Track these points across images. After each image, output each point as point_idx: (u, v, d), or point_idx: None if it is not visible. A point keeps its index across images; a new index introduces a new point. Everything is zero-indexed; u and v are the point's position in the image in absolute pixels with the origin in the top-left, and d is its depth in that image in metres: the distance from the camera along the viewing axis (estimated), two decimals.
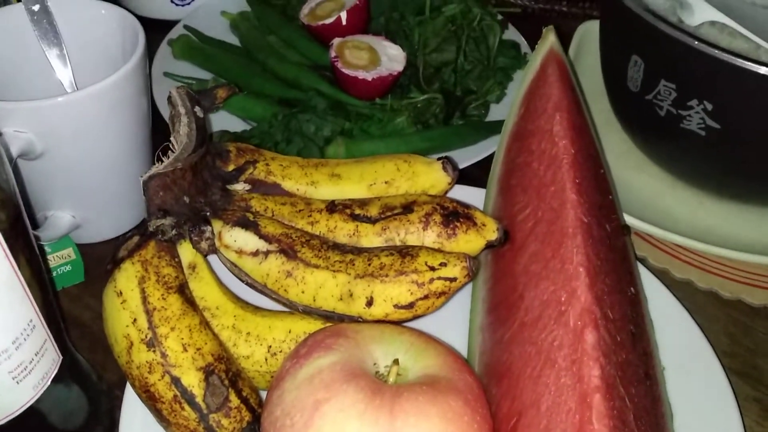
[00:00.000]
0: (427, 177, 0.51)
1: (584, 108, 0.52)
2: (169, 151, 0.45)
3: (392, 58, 0.66)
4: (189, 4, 0.80)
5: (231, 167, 0.50)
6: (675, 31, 0.50)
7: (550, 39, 0.51)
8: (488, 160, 0.63)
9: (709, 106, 0.52)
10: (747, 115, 0.51)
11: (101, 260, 0.58)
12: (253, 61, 0.71)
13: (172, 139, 0.46)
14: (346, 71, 0.64)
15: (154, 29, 0.81)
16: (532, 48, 0.77)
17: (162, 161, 0.44)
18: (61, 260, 0.55)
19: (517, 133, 0.51)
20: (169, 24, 0.78)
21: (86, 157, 0.53)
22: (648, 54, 0.54)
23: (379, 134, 0.64)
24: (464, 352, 0.46)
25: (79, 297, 0.55)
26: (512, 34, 0.76)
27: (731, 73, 0.49)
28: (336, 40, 0.67)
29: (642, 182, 0.63)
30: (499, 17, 0.77)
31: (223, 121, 0.66)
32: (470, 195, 0.56)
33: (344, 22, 0.69)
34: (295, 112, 0.63)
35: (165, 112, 0.66)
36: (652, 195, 0.61)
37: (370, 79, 0.64)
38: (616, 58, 0.59)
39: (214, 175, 0.48)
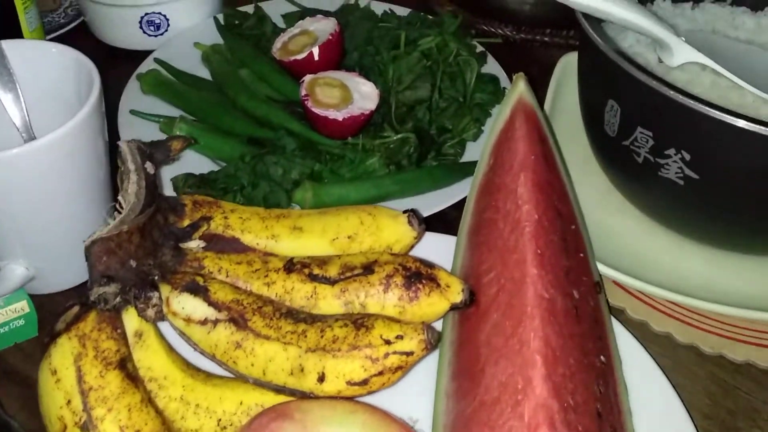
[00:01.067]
0: (391, 231, 0.49)
1: (556, 159, 0.50)
2: (116, 212, 0.43)
3: (365, 95, 0.64)
4: (162, 34, 0.78)
5: (186, 222, 0.48)
6: (650, 79, 0.48)
7: (519, 87, 0.49)
8: (464, 201, 0.61)
9: (687, 156, 0.49)
10: (726, 167, 0.49)
11: (56, 314, 0.56)
12: (223, 97, 0.69)
13: (119, 197, 0.44)
14: (316, 110, 0.62)
15: (126, 59, 0.80)
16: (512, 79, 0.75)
17: (109, 221, 0.42)
18: (13, 314, 0.53)
19: (486, 185, 0.49)
20: (141, 54, 0.76)
21: (40, 207, 0.51)
22: (624, 100, 0.52)
23: (351, 176, 0.62)
24: (429, 412, 0.44)
25: (32, 354, 0.53)
26: (491, 66, 0.74)
27: (709, 125, 0.47)
28: (307, 78, 0.65)
29: (621, 226, 0.60)
30: (479, 48, 0.75)
31: (190, 161, 0.64)
32: (441, 244, 0.54)
33: (316, 58, 0.67)
34: (263, 153, 0.61)
35: None
36: (631, 239, 0.59)
37: (341, 118, 0.62)
38: (593, 101, 0.57)
39: (166, 233, 0.46)
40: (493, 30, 0.81)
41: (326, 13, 0.77)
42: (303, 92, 0.63)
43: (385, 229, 0.49)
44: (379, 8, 0.81)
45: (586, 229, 0.52)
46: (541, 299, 0.36)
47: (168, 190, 0.60)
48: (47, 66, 0.55)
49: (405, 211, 0.50)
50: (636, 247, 0.58)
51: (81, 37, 0.82)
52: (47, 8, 0.84)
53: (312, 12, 0.78)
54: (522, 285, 0.36)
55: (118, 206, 0.43)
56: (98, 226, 0.42)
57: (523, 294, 0.36)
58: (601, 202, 0.62)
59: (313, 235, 0.49)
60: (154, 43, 0.78)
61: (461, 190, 0.62)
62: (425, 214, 0.60)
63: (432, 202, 0.61)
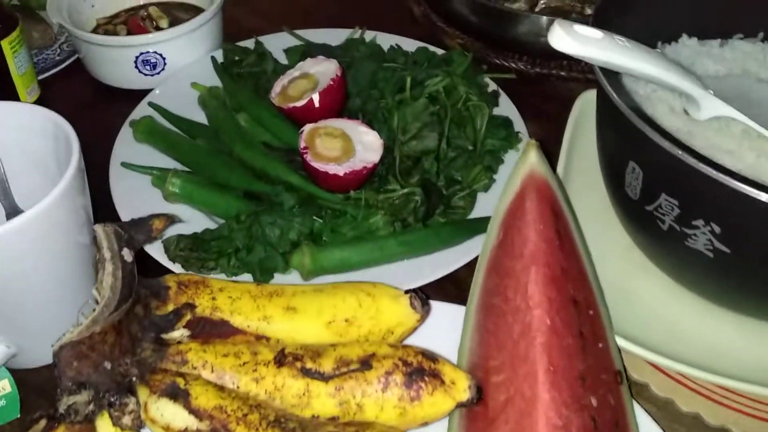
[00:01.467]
0: (392, 314, 0.45)
1: (573, 234, 0.45)
2: (81, 317, 0.39)
3: (368, 146, 0.60)
4: (159, 73, 0.75)
5: (170, 307, 0.44)
6: (675, 147, 0.44)
7: (530, 159, 0.44)
8: (475, 261, 0.57)
9: (717, 229, 0.45)
10: (762, 242, 0.44)
11: (41, 390, 0.53)
12: (220, 144, 0.65)
13: (93, 291, 0.40)
14: (315, 165, 0.58)
15: (122, 97, 0.76)
16: (527, 117, 0.70)
17: (81, 320, 0.39)
18: None
19: (495, 263, 0.45)
20: (139, 92, 0.73)
21: (20, 284, 0.47)
22: (646, 165, 0.48)
23: (352, 235, 0.58)
24: None
25: None
26: (504, 105, 0.69)
27: (739, 199, 0.42)
28: (306, 128, 0.61)
29: (643, 289, 0.56)
30: (491, 86, 0.70)
31: (184, 215, 0.61)
32: (449, 314, 0.50)
33: (317, 105, 0.63)
34: (259, 212, 0.57)
35: (123, 207, 0.61)
36: (655, 305, 0.55)
37: (342, 173, 0.58)
38: (613, 159, 0.53)
39: (146, 325, 0.42)
40: (506, 64, 0.77)
41: (329, 51, 0.73)
42: (302, 144, 0.60)
43: (385, 312, 0.45)
44: (385, 42, 0.77)
45: (604, 302, 0.48)
46: (554, 428, 0.32)
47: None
48: (23, 127, 0.52)
49: (407, 291, 0.46)
50: (660, 314, 0.54)
51: (77, 74, 0.79)
52: (42, 45, 0.81)
53: (315, 48, 0.74)
54: (533, 410, 0.32)
55: (94, 299, 0.39)
56: (71, 326, 0.38)
57: (534, 420, 0.32)
58: (621, 261, 0.58)
59: (307, 317, 0.46)
60: (150, 83, 0.75)
61: (472, 249, 0.58)
62: (433, 276, 0.56)
63: (440, 263, 0.57)
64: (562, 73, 0.76)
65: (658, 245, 0.52)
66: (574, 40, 0.46)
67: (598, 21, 0.55)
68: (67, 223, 0.48)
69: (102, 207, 0.62)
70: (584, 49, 0.46)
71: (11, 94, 0.70)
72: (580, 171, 0.63)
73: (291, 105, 0.63)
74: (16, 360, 0.52)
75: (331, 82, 0.63)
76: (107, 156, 0.66)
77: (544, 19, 0.73)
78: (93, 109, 0.76)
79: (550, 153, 0.70)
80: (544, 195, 0.42)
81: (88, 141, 0.74)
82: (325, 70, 0.65)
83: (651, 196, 0.48)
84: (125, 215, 0.60)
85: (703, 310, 0.54)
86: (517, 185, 0.44)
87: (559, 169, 0.62)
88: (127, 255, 0.41)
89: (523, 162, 0.45)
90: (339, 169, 0.58)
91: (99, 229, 0.41)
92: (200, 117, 0.70)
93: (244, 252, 0.55)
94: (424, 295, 0.46)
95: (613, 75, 0.50)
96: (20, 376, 0.52)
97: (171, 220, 0.45)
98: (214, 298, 0.46)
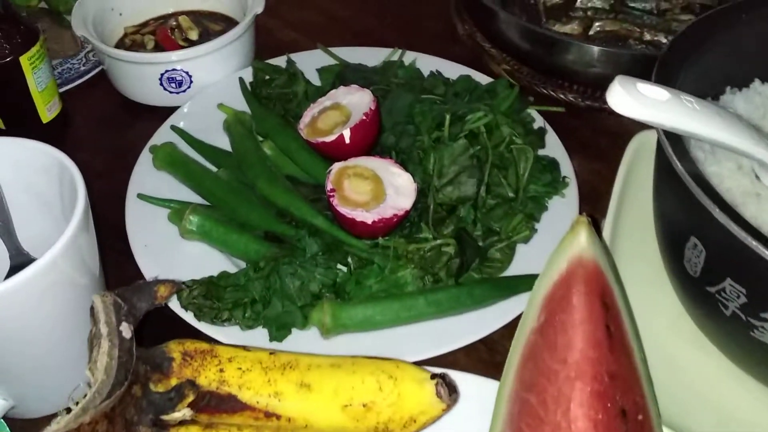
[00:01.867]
0: (415, 401, 0.41)
1: (625, 327, 0.40)
2: (71, 402, 0.35)
3: (400, 190, 0.55)
4: (184, 91, 0.71)
5: (172, 381, 0.40)
6: (747, 235, 0.38)
7: (580, 240, 0.39)
8: (512, 325, 0.52)
9: None
10: None
11: None
12: (241, 177, 0.61)
13: (87, 371, 0.36)
14: (343, 210, 0.54)
15: (148, 112, 0.73)
16: (575, 153, 0.65)
17: (71, 406, 0.35)
18: None
19: (534, 350, 0.40)
20: (163, 111, 0.69)
21: (20, 339, 0.44)
22: (710, 245, 0.42)
23: (378, 288, 0.54)
24: None
25: None
26: (551, 143, 0.64)
27: None
28: (335, 168, 0.56)
29: (694, 367, 0.50)
30: (536, 121, 0.65)
31: (202, 254, 0.57)
32: (478, 388, 0.46)
33: (347, 141, 0.58)
34: (279, 257, 0.53)
35: (136, 240, 0.57)
36: (707, 388, 0.49)
37: (370, 221, 0.53)
38: (672, 229, 0.47)
39: (143, 406, 0.38)
40: (554, 95, 0.71)
41: (365, 75, 0.68)
42: (329, 186, 0.55)
43: (408, 398, 0.41)
44: (425, 65, 0.71)
45: (654, 397, 0.43)
46: None
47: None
48: (28, 165, 0.49)
49: (434, 376, 0.41)
50: (712, 400, 0.48)
51: (101, 86, 0.76)
52: (67, 53, 0.78)
53: (350, 71, 0.69)
54: None
55: (84, 383, 0.36)
56: (59, 411, 0.35)
57: None
58: (670, 331, 0.52)
59: (322, 397, 0.42)
60: (176, 100, 0.71)
61: (508, 311, 0.53)
62: (463, 341, 0.52)
63: (472, 326, 0.52)
64: None
65: (718, 328, 0.47)
66: (637, 101, 0.41)
67: (665, 67, 0.50)
68: (71, 273, 0.45)
69: (115, 236, 0.59)
70: (648, 113, 0.41)
71: (30, 112, 0.66)
72: (631, 224, 0.58)
73: (320, 140, 0.59)
74: (15, 410, 0.49)
75: (364, 117, 0.58)
76: (126, 179, 0.63)
77: (596, 49, 0.67)
78: (115, 125, 0.73)
79: (599, 194, 0.65)
80: (594, 288, 0.37)
81: (107, 160, 0.72)
82: (359, 101, 0.60)
83: (714, 278, 0.43)
84: (138, 247, 0.57)
85: (764, 397, 0.49)
86: (563, 268, 0.39)
87: (608, 222, 0.57)
88: (126, 331, 0.37)
89: (570, 241, 0.40)
90: (368, 217, 0.54)
91: (97, 300, 0.37)
92: (225, 140, 0.66)
93: (260, 305, 0.51)
94: (452, 382, 0.41)
95: (676, 135, 0.45)
96: (21, 425, 0.49)
97: (177, 287, 0.41)
98: (221, 370, 0.42)
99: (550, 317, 0.40)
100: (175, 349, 0.41)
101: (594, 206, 0.64)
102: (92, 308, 0.38)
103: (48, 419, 0.50)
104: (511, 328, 0.54)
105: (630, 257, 0.56)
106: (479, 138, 0.59)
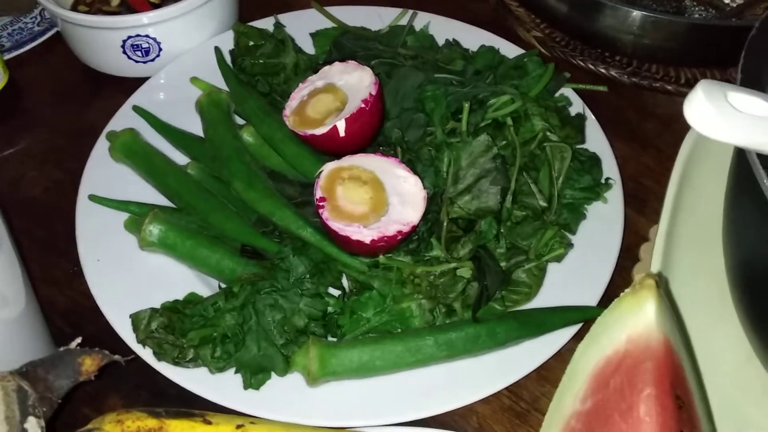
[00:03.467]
0: None
1: (696, 405, 0.30)
2: None
3: (406, 198, 0.45)
4: (153, 60, 0.60)
5: None
6: None
7: (647, 313, 0.29)
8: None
9: None
10: None
11: None
12: (215, 174, 0.51)
13: None
14: (334, 226, 0.44)
15: (110, 87, 0.62)
16: (618, 139, 0.54)
17: None
18: None
19: None
20: (131, 82, 0.59)
21: None
22: None
23: (377, 322, 0.44)
24: None
25: None
26: (590, 134, 0.53)
27: None
28: (326, 170, 0.46)
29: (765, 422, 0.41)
30: (575, 103, 0.54)
31: (166, 269, 0.47)
32: None
33: (342, 134, 0.47)
34: (257, 284, 0.43)
35: (87, 249, 0.48)
36: None
37: (368, 240, 0.43)
38: (753, 265, 0.37)
39: None
40: (594, 68, 0.59)
41: (366, 47, 0.57)
42: (318, 194, 0.45)
43: None
44: (440, 30, 0.60)
45: None
46: None
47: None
48: None
49: None
50: None
51: (58, 51, 0.64)
52: (21, 10, 0.66)
53: (350, 39, 0.58)
54: None
55: None
56: None
57: None
58: (735, 377, 0.43)
59: None
60: (144, 70, 0.60)
61: (537, 353, 0.43)
62: (483, 391, 0.42)
63: (493, 372, 0.43)
64: (669, 87, 0.58)
65: None
66: (727, 119, 0.30)
67: (755, 55, 0.38)
68: None
69: (64, 240, 0.50)
70: (743, 136, 0.30)
71: None
72: (689, 236, 0.48)
73: (309, 132, 0.48)
74: None
75: (363, 105, 0.47)
76: (81, 173, 0.52)
77: (641, 15, 0.55)
78: (73, 100, 0.62)
79: (647, 194, 0.54)
80: (666, 386, 0.27)
81: (62, 143, 0.61)
82: (357, 83, 0.49)
83: None
84: (89, 262, 0.47)
85: None
86: (621, 344, 0.29)
87: (660, 233, 0.47)
88: (33, 427, 0.28)
89: (632, 310, 0.29)
90: (365, 234, 0.43)
91: None
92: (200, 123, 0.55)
93: (231, 346, 0.42)
94: None
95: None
96: None
97: (108, 358, 0.31)
98: None
99: (601, 407, 0.30)
100: (110, 425, 0.32)
101: (640, 209, 0.54)
102: None
103: None
104: (538, 369, 0.44)
105: (687, 278, 0.46)
106: (504, 131, 0.48)
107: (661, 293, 0.30)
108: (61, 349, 0.31)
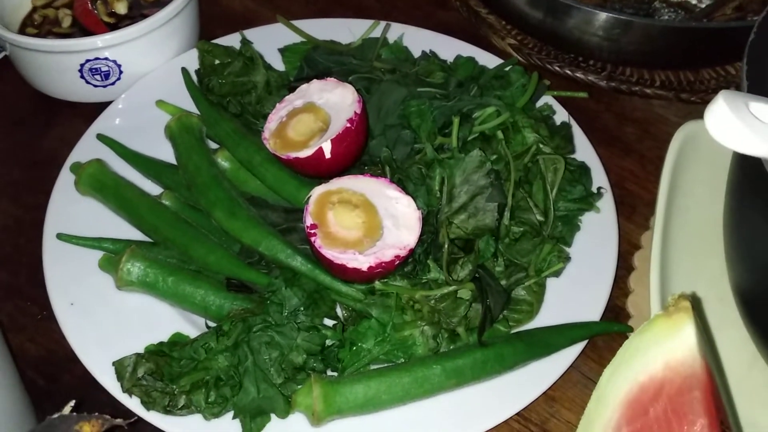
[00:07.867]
0: None
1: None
2: None
3: (400, 220, 0.43)
4: (113, 83, 0.56)
5: None
6: None
7: (687, 338, 0.28)
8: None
9: None
10: None
11: None
12: (192, 203, 0.48)
13: None
14: (329, 254, 0.41)
15: (68, 113, 0.58)
16: (597, 145, 0.53)
17: None
18: None
19: None
20: (90, 107, 0.55)
21: None
22: None
23: (379, 351, 0.42)
24: None
25: None
26: (578, 146, 0.52)
27: None
28: (314, 193, 0.44)
29: None
30: (557, 112, 0.53)
31: (147, 310, 0.44)
32: None
33: (328, 155, 0.45)
34: (249, 323, 0.41)
35: (58, 295, 0.44)
36: None
37: (365, 268, 0.41)
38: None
39: None
40: (570, 74, 0.59)
41: (340, 61, 0.55)
42: (308, 221, 0.42)
43: None
44: (414, 42, 0.58)
45: None
46: None
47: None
48: None
49: None
50: None
51: (7, 75, 0.60)
52: None
53: (321, 54, 0.56)
54: None
55: None
56: None
57: None
58: (742, 381, 0.42)
59: None
60: (104, 95, 0.56)
61: (545, 374, 0.42)
62: (492, 419, 0.40)
63: (501, 398, 0.41)
64: (647, 91, 0.58)
65: None
66: (753, 130, 0.29)
67: (757, 58, 0.37)
68: None
69: (29, 283, 0.46)
70: (766, 146, 0.29)
71: None
72: (683, 241, 0.48)
73: (293, 155, 0.46)
74: None
75: (349, 125, 0.45)
76: (46, 203, 0.49)
77: (607, 17, 0.54)
78: (26, 129, 0.58)
79: (634, 199, 0.54)
80: (714, 417, 0.26)
81: (17, 178, 0.56)
82: (339, 100, 0.47)
83: None
84: (61, 306, 0.44)
85: None
86: (657, 370, 0.28)
87: (656, 241, 0.46)
88: None
89: (667, 334, 0.28)
90: (362, 261, 0.41)
91: None
92: (170, 147, 0.51)
93: (228, 389, 0.39)
94: None
95: None
96: None
97: (109, 423, 0.28)
98: None
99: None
100: None
101: (629, 216, 0.53)
102: None
103: None
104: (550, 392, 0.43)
105: (686, 284, 0.46)
106: (492, 144, 0.47)
107: (696, 320, 0.28)
108: (55, 415, 0.28)
